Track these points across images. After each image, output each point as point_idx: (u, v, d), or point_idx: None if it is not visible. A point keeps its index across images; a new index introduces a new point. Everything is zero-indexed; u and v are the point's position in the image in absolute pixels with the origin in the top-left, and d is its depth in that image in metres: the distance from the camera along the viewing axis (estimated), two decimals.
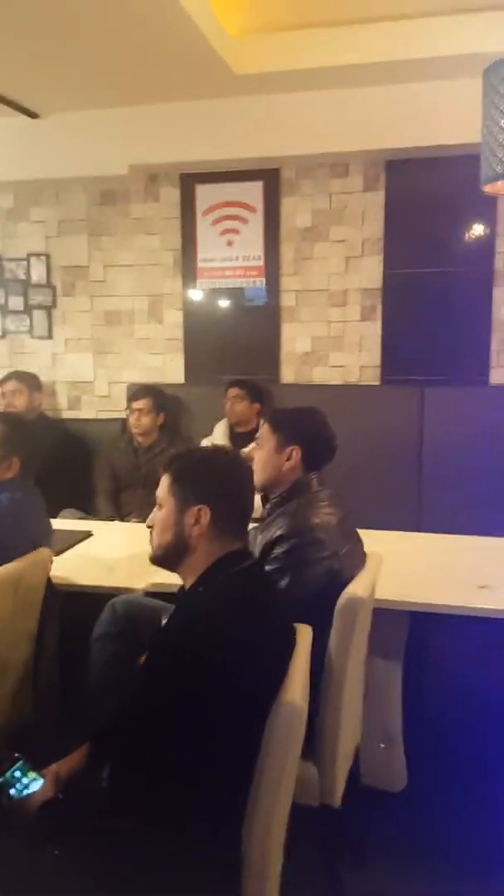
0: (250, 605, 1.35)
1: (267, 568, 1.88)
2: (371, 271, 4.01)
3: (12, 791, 1.45)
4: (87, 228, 4.37)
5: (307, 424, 2.06)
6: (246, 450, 2.99)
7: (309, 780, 1.84)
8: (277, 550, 1.89)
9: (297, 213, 4.09)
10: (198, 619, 1.30)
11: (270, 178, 4.09)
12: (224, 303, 4.22)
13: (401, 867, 2.11)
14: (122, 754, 1.32)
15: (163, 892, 1.23)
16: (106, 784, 1.31)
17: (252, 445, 2.30)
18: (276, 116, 3.79)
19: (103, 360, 4.44)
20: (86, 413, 4.48)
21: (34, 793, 1.42)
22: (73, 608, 2.36)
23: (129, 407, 3.95)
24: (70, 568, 2.47)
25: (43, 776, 1.46)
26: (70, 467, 3.93)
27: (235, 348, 4.22)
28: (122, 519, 3.70)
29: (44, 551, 2.15)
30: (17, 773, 1.46)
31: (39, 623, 2.22)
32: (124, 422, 4.04)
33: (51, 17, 2.90)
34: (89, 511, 3.73)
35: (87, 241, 4.38)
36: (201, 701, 1.20)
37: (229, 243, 4.19)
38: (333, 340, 4.11)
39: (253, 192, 4.13)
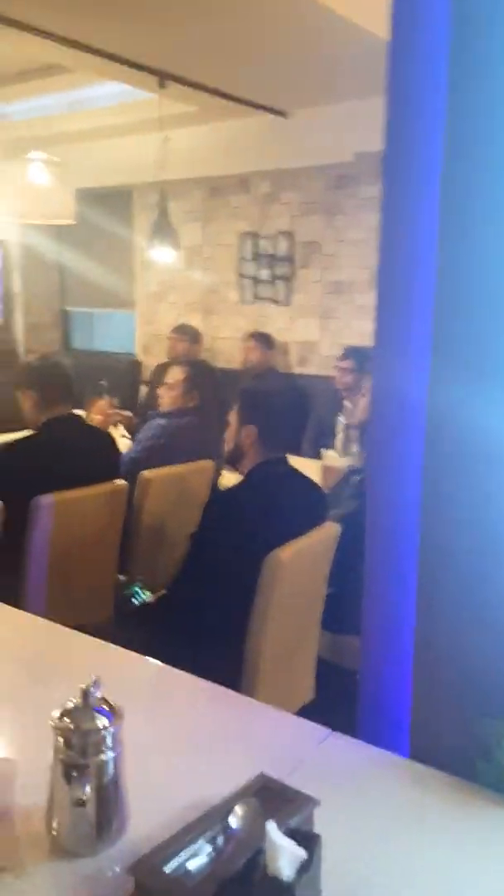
0: (264, 491, 1.96)
1: (345, 492, 2.45)
2: None
3: (134, 600, 2.27)
4: (324, 209, 5.02)
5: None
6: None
7: (352, 649, 2.40)
8: (355, 478, 2.45)
9: None
10: (224, 492, 1.97)
11: None
12: None
13: None
14: (176, 575, 2.04)
15: (191, 663, 1.92)
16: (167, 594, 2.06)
17: None
18: None
19: (328, 325, 5.11)
20: (311, 370, 5.20)
21: (145, 601, 2.23)
22: None
23: (335, 365, 4.58)
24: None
25: (154, 592, 2.26)
26: (299, 413, 4.69)
27: None
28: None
29: (206, 462, 2.94)
30: (137, 589, 2.28)
31: None
32: None
33: (298, 37, 3.56)
34: (297, 449, 4.46)
35: (323, 220, 5.04)
36: (210, 544, 1.87)
37: None
38: None
39: None
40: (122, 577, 2.74)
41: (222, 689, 1.48)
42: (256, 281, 5.42)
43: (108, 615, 2.65)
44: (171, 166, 4.61)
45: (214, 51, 3.80)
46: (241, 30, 3.51)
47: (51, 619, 1.78)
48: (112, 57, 3.81)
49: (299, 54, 3.83)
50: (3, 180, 5.84)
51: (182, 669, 1.54)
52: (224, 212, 5.57)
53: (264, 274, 5.37)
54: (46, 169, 4.20)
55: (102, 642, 1.66)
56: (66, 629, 1.71)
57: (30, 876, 0.97)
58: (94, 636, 1.68)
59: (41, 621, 1.79)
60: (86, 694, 1.02)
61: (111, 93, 4.80)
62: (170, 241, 4.38)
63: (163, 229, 4.39)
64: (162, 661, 1.59)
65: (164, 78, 4.10)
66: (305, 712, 2.17)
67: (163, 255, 4.57)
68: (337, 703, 2.35)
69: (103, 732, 1.00)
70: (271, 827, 0.90)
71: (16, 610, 1.86)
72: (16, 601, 2.12)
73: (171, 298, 5.99)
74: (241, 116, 4.87)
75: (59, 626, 1.73)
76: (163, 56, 3.91)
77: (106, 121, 5.18)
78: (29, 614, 1.86)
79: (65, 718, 1.00)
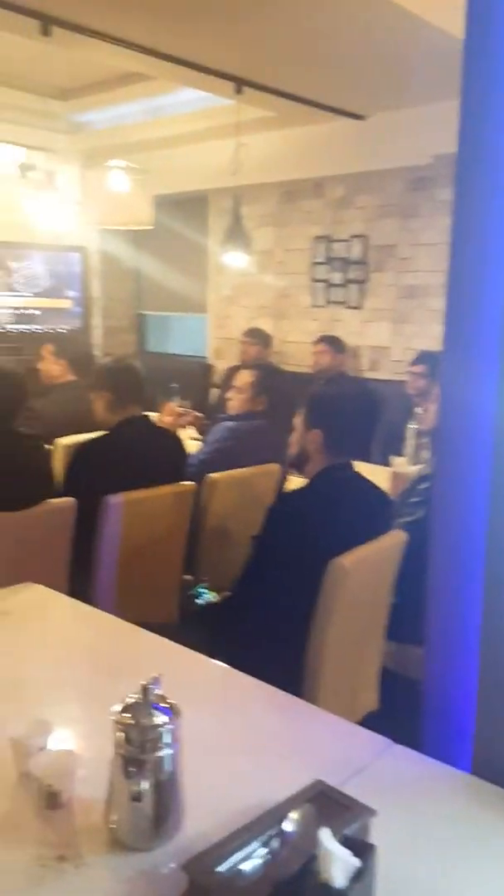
0: (327, 497, 1.94)
1: (412, 499, 2.41)
2: None
3: (198, 600, 2.30)
4: (399, 212, 4.96)
5: None
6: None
7: (418, 659, 2.35)
8: (422, 486, 2.40)
9: None
10: (287, 496, 1.96)
11: None
12: None
13: None
14: (239, 577, 2.05)
15: (253, 665, 1.92)
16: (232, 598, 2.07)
17: None
18: None
19: (401, 329, 5.04)
20: (382, 374, 5.14)
21: (209, 601, 2.25)
22: None
23: (407, 370, 4.51)
24: None
25: (218, 593, 2.28)
26: (366, 418, 4.65)
27: None
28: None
29: (273, 466, 2.95)
30: (201, 590, 2.30)
31: None
32: None
33: (376, 40, 3.54)
34: (366, 455, 4.42)
35: (398, 223, 4.98)
36: (271, 548, 1.87)
37: None
38: None
39: None
40: (188, 578, 2.78)
41: (283, 693, 1.48)
42: (329, 285, 5.40)
43: (174, 614, 2.69)
44: (245, 171, 4.65)
45: (292, 56, 3.81)
46: (318, 34, 3.50)
47: (119, 615, 1.82)
48: (190, 64, 3.87)
49: (377, 57, 3.80)
50: (85, 188, 6.02)
51: (243, 672, 1.55)
52: (297, 216, 5.57)
53: (337, 277, 5.34)
54: (126, 176, 4.30)
55: (167, 641, 1.68)
56: (133, 626, 1.75)
57: (88, 867, 1.00)
58: (160, 635, 1.70)
59: (109, 617, 1.83)
60: (146, 691, 1.03)
61: (189, 99, 4.87)
62: (242, 246, 4.41)
63: (235, 234, 4.43)
64: (224, 663, 1.60)
65: (241, 84, 4.14)
66: (369, 722, 2.14)
67: (235, 260, 4.61)
68: (401, 713, 2.31)
69: (161, 729, 1.02)
70: (325, 834, 0.89)
71: (85, 606, 1.91)
72: (86, 597, 2.18)
73: (242, 302, 6.04)
74: (318, 121, 4.87)
75: (125, 623, 1.77)
76: (240, 62, 3.95)
77: (184, 127, 5.27)
78: (97, 610, 1.90)
79: (124, 714, 1.02)
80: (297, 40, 3.60)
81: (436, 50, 3.57)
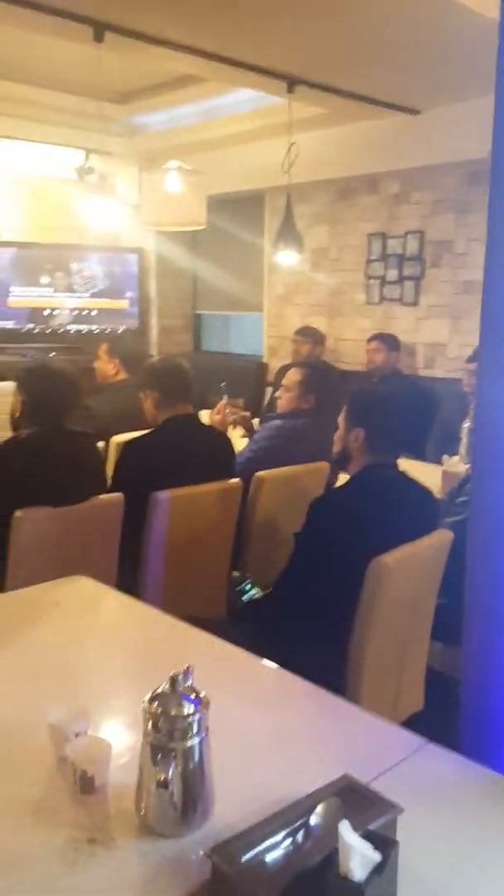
0: (368, 495, 1.93)
1: (460, 499, 2.37)
2: None
3: (244, 596, 2.32)
4: (456, 207, 4.88)
5: None
6: None
7: (458, 661, 2.32)
8: (469, 485, 2.36)
9: None
10: (328, 493, 1.96)
11: None
12: None
13: None
14: (281, 574, 2.05)
15: (295, 661, 1.92)
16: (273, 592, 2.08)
17: None
18: None
19: (457, 325, 4.95)
20: (438, 372, 5.06)
21: (254, 597, 2.27)
22: None
23: (463, 367, 4.43)
24: None
25: (264, 590, 2.29)
26: (411, 416, 4.59)
27: None
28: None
29: (322, 464, 2.94)
30: (248, 586, 2.32)
31: None
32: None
33: (431, 34, 3.50)
34: (420, 454, 4.36)
35: (455, 218, 4.89)
36: (311, 545, 1.87)
37: None
38: None
39: None
40: (235, 574, 2.80)
41: (319, 689, 1.48)
42: (384, 282, 5.35)
43: (222, 610, 2.72)
44: (299, 169, 4.64)
45: (345, 53, 3.80)
46: (371, 29, 3.48)
47: (166, 610, 1.85)
48: (242, 64, 3.89)
49: (432, 51, 3.74)
50: (142, 190, 6.12)
51: (286, 668, 1.56)
52: (352, 213, 5.54)
53: (392, 274, 5.29)
54: (181, 177, 4.36)
55: (210, 636, 1.71)
56: (176, 621, 1.78)
57: (118, 850, 1.03)
58: (208, 630, 1.73)
59: (153, 611, 1.87)
60: (174, 681, 1.06)
61: (242, 99, 4.90)
62: (294, 244, 4.41)
63: (287, 232, 4.43)
64: (268, 658, 1.61)
65: (293, 82, 4.14)
66: (413, 722, 2.13)
67: (287, 258, 4.62)
68: (446, 714, 2.28)
69: (189, 719, 1.04)
70: (344, 827, 0.90)
71: (131, 599, 1.95)
72: (133, 591, 2.23)
73: (297, 300, 6.04)
74: (372, 116, 4.83)
75: (169, 618, 1.80)
76: (292, 61, 3.94)
77: (238, 127, 5.30)
78: (142, 604, 1.94)
79: (154, 703, 1.05)
80: (349, 37, 3.58)
81: (492, 42, 3.48)
